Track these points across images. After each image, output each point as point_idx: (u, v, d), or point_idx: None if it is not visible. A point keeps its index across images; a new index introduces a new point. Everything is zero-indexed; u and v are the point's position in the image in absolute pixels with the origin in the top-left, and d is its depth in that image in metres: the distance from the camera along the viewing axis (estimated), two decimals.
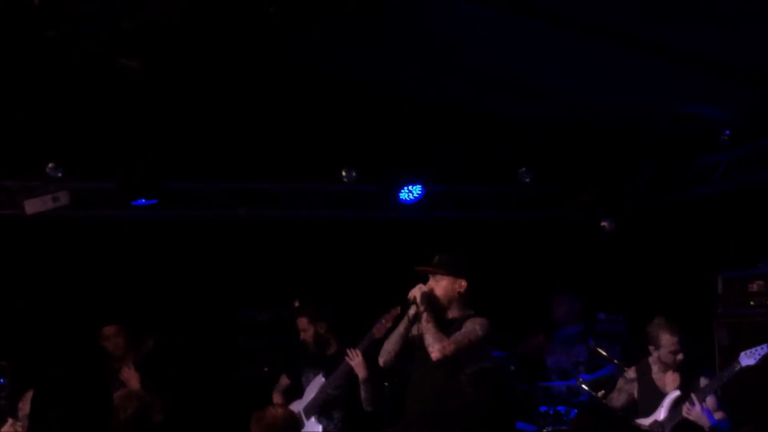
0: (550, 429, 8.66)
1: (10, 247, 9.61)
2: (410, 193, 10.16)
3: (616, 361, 8.67)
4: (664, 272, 9.93)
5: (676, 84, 8.59)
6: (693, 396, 7.02)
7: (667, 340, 7.22)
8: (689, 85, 8.60)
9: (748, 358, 7.03)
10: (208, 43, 8.43)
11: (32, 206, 9.38)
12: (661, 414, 7.20)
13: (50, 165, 9.43)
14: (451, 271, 6.85)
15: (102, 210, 9.87)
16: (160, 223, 10.04)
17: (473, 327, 6.73)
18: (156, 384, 8.13)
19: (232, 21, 8.08)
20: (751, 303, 8.78)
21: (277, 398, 8.32)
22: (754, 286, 8.80)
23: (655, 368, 7.37)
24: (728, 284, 9.02)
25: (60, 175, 9.46)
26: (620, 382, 7.57)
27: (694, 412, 7.00)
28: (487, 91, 9.24)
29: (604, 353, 8.75)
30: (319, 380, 7.98)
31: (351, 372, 7.77)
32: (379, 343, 7.47)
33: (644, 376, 7.40)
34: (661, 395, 7.26)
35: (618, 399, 7.49)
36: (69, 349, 8.98)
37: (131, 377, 8.22)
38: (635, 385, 7.45)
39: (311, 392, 8.02)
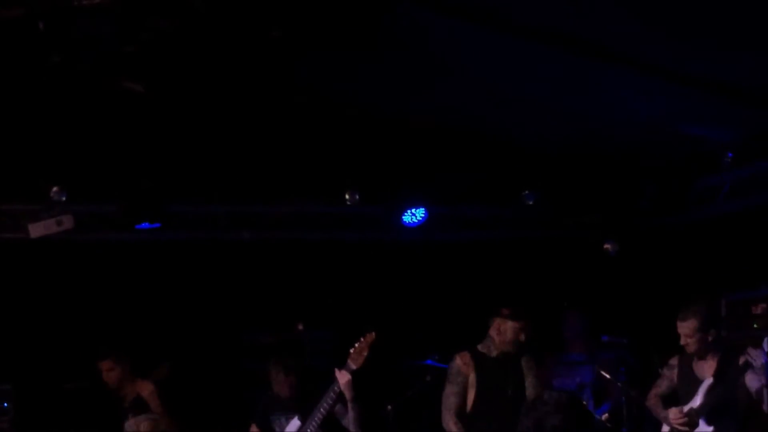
0: None
1: (15, 271, 9.61)
2: (413, 215, 10.15)
3: (620, 383, 8.66)
4: (668, 294, 9.89)
5: (680, 105, 8.60)
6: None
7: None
8: (693, 107, 8.61)
9: None
10: (211, 66, 8.45)
11: (36, 230, 9.37)
12: (697, 401, 7.24)
13: (54, 189, 9.43)
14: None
15: (106, 233, 9.88)
16: (164, 246, 10.04)
17: (536, 371, 7.66)
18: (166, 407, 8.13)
19: (235, 44, 8.10)
20: (755, 325, 8.76)
21: None
22: (758, 309, 8.79)
23: (694, 357, 7.41)
24: (732, 307, 9.00)
25: (64, 198, 9.47)
26: (664, 370, 7.69)
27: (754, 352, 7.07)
28: (490, 113, 9.24)
29: (608, 376, 8.74)
30: (295, 423, 7.72)
31: (330, 410, 7.61)
32: (357, 374, 7.50)
33: (684, 364, 7.47)
34: (698, 382, 7.31)
35: (661, 385, 7.63)
36: (74, 374, 8.98)
37: (146, 390, 8.13)
38: (675, 371, 7.53)
39: None
